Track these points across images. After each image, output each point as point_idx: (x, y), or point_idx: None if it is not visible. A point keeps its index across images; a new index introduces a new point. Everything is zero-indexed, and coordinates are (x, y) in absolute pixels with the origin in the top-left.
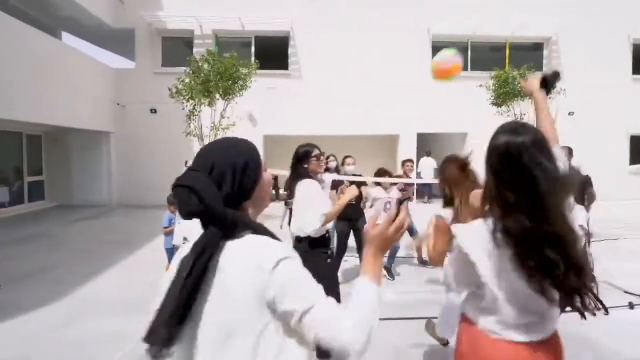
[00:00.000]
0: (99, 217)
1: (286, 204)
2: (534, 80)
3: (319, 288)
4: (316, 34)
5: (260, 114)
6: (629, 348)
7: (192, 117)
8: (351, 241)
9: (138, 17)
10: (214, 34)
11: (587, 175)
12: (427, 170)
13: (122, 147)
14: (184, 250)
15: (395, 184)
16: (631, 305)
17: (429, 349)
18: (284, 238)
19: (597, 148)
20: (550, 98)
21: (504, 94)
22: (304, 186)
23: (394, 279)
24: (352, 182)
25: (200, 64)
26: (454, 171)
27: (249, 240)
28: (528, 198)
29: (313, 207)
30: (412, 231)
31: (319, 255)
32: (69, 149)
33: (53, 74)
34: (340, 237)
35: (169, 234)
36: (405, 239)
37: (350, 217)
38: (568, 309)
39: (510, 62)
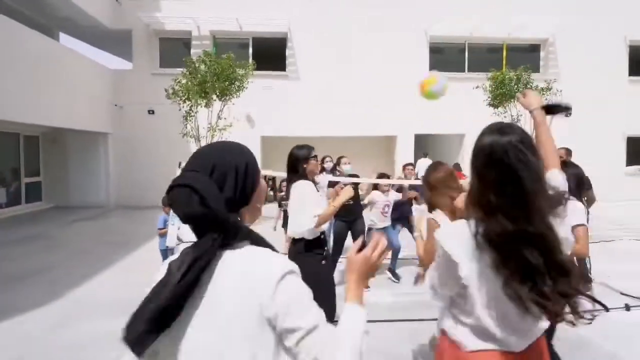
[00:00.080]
0: (96, 218)
1: (280, 205)
2: (532, 99)
3: (317, 307)
4: (314, 35)
5: (258, 115)
6: (625, 350)
7: (188, 118)
8: (349, 241)
9: (135, 18)
10: (211, 35)
11: (587, 177)
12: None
13: (119, 148)
14: (176, 254)
15: (393, 187)
16: (627, 307)
17: (426, 351)
18: (277, 240)
19: (594, 149)
20: (546, 100)
21: (501, 95)
22: (299, 187)
23: (399, 281)
24: (346, 183)
25: (197, 65)
26: (438, 178)
27: (248, 251)
28: (513, 199)
29: (307, 208)
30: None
31: (314, 257)
32: (66, 150)
33: (50, 75)
34: (336, 239)
35: (164, 235)
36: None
37: (348, 218)
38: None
39: (508, 64)
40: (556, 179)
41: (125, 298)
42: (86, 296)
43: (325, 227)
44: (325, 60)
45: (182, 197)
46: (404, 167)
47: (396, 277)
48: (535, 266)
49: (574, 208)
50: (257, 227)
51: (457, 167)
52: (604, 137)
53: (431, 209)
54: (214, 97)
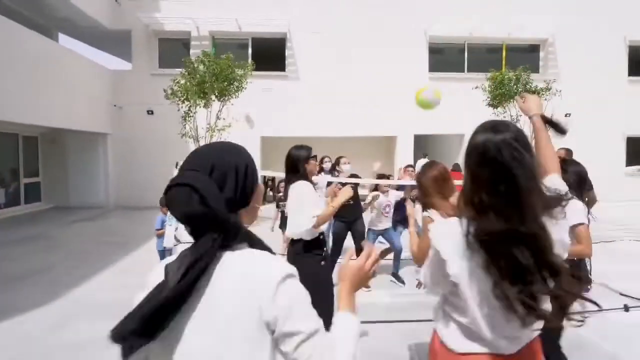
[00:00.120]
0: (95, 219)
1: (278, 206)
2: (532, 104)
3: (316, 311)
4: (313, 36)
5: (258, 116)
6: (625, 351)
7: (187, 118)
8: (349, 241)
9: (135, 18)
10: (210, 35)
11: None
12: None
13: (119, 149)
14: (174, 256)
15: (392, 186)
16: (626, 308)
17: (425, 352)
18: (275, 241)
19: (594, 149)
20: (546, 100)
21: (500, 96)
22: (298, 188)
23: (404, 284)
24: (343, 184)
25: (195, 65)
26: (429, 179)
27: (247, 253)
28: (506, 197)
29: (306, 208)
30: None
31: (314, 258)
32: (65, 150)
33: (49, 76)
34: (336, 239)
35: (161, 236)
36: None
37: (347, 218)
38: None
39: (507, 64)
40: (556, 183)
41: (124, 298)
42: (85, 296)
43: (324, 227)
44: (325, 60)
45: (181, 196)
46: (405, 168)
47: (400, 280)
48: (526, 266)
49: (574, 207)
50: (255, 228)
51: (457, 167)
52: (604, 137)
53: (425, 208)
54: (213, 97)
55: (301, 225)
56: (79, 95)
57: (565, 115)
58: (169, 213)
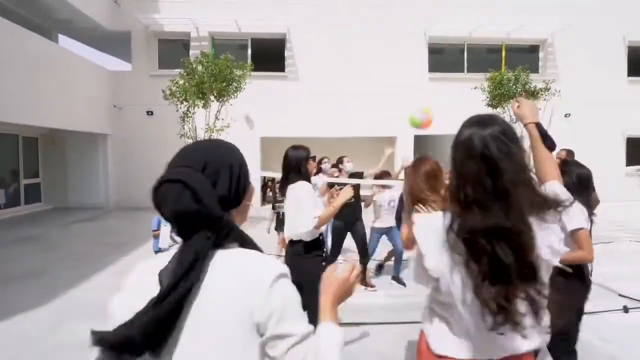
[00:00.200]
0: (95, 220)
1: (273, 207)
2: (526, 111)
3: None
4: (313, 36)
5: (257, 116)
6: (624, 352)
7: (186, 119)
8: (349, 242)
9: (134, 19)
10: (210, 36)
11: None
12: None
13: (118, 150)
14: (166, 258)
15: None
16: (626, 309)
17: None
18: (270, 243)
19: (593, 150)
20: (545, 100)
21: (499, 96)
22: (296, 188)
23: (406, 286)
24: (342, 185)
25: (194, 66)
26: (421, 175)
27: (239, 253)
28: (492, 192)
29: (306, 209)
30: None
31: (314, 259)
32: (65, 151)
33: (49, 77)
34: (335, 240)
35: (158, 236)
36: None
37: (348, 219)
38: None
39: (507, 64)
40: (556, 190)
41: None
42: (84, 297)
43: (323, 228)
44: (325, 60)
45: (172, 193)
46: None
47: (401, 283)
48: (507, 265)
49: (574, 212)
50: (251, 230)
51: None
52: (604, 137)
53: (414, 202)
54: (212, 98)
55: (301, 225)
56: (78, 96)
57: (565, 116)
58: None
